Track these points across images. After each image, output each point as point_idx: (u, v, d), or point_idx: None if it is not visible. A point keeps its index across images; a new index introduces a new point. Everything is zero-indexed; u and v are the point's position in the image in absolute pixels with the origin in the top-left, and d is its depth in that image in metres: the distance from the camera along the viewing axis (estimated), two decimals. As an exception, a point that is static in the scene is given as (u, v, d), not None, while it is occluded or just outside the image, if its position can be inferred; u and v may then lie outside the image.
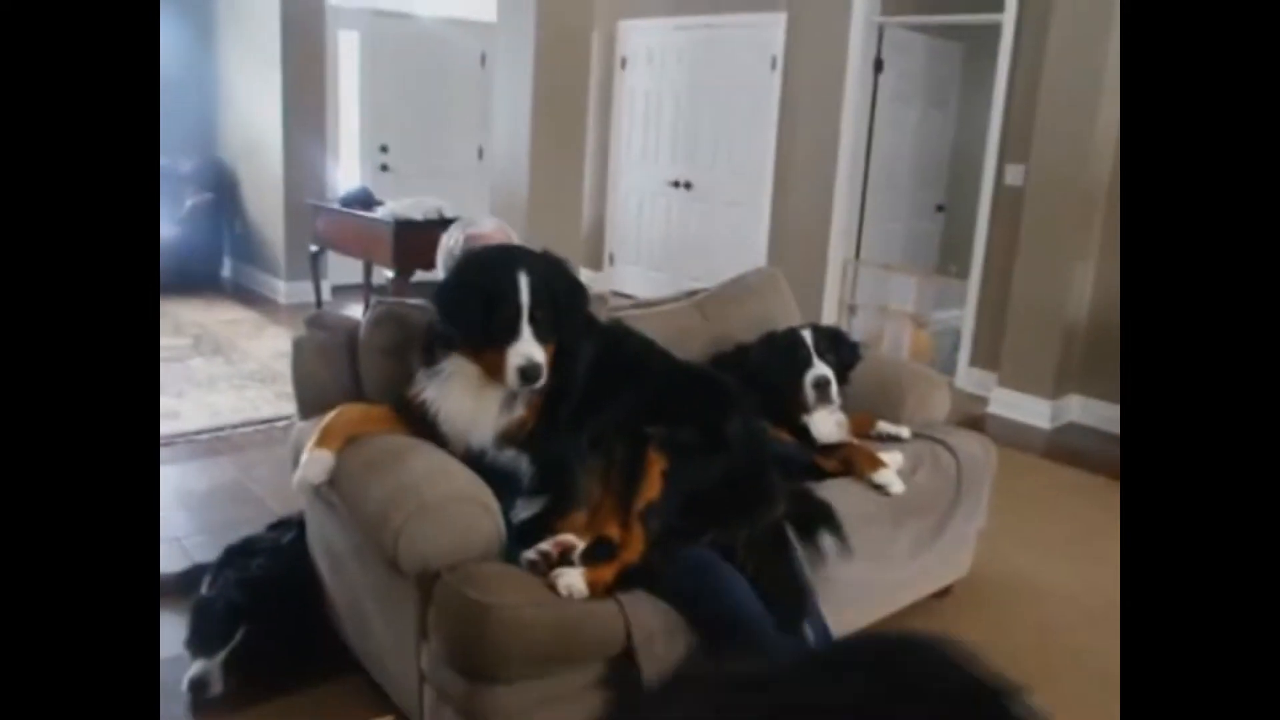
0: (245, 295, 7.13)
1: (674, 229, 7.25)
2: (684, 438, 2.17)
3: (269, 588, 2.54)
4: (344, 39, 7.16)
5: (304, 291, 6.69)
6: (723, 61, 6.69)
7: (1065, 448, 4.74)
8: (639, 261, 7.50)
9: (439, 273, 2.50)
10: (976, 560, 3.13)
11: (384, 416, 2.24)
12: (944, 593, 3.07)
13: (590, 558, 2.01)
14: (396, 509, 1.94)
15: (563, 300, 2.17)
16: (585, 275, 7.64)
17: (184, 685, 2.38)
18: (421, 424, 2.22)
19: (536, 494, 2.21)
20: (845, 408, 2.92)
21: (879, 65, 5.92)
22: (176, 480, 3.77)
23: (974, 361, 5.57)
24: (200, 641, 2.45)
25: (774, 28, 6.29)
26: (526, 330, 2.07)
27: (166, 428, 4.25)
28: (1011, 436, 4.70)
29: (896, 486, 2.61)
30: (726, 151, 6.77)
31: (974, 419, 5.08)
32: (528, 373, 2.04)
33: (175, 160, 7.31)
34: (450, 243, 2.53)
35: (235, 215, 7.43)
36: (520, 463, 2.19)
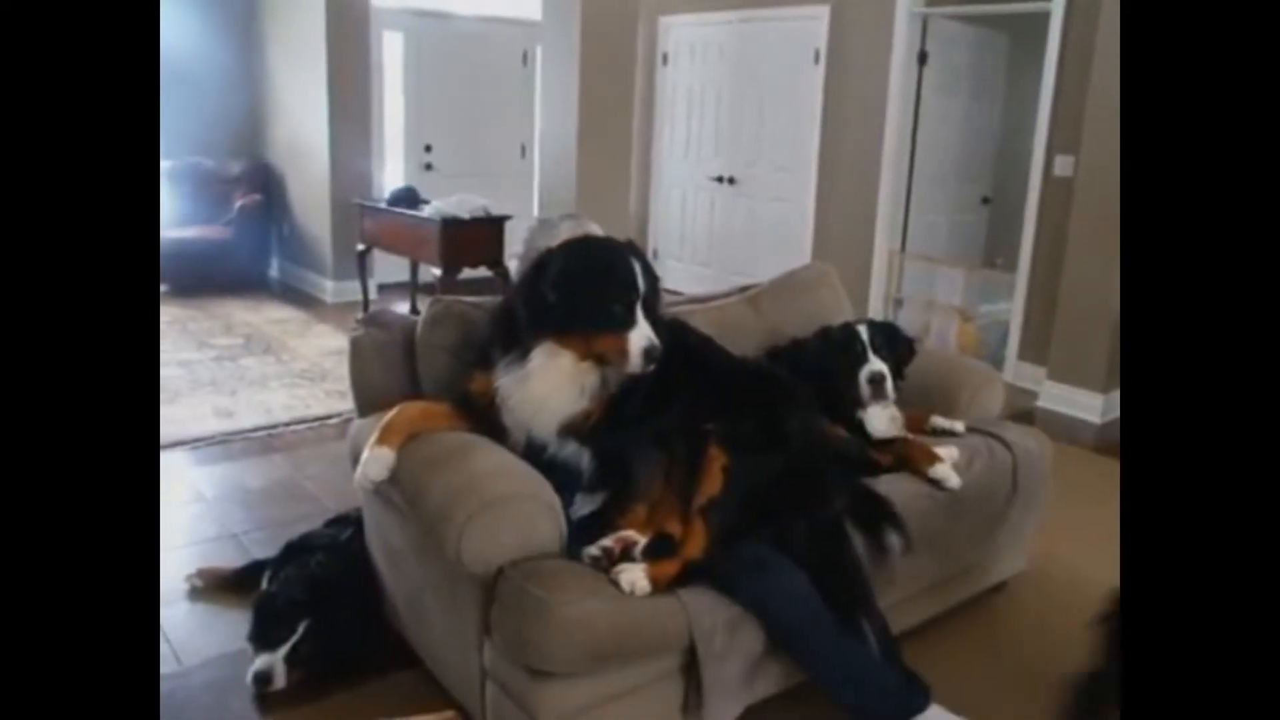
0: (293, 295, 7.23)
1: (718, 224, 7.23)
2: (744, 434, 2.17)
3: (329, 584, 2.58)
4: (388, 40, 7.23)
5: (351, 291, 6.77)
6: (765, 55, 6.66)
7: (1117, 442, 4.67)
8: (683, 258, 7.50)
9: (515, 270, 2.51)
10: (1032, 555, 3.10)
11: (444, 413, 2.26)
12: (1000, 587, 3.04)
13: (652, 553, 2.02)
14: (459, 507, 1.96)
15: (656, 291, 2.21)
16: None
17: (248, 679, 2.42)
18: (482, 419, 2.24)
19: (596, 490, 2.21)
20: (900, 402, 2.90)
21: (923, 57, 5.87)
22: (233, 477, 3.83)
23: (1023, 355, 5.51)
24: (263, 636, 2.49)
25: (817, 20, 6.26)
26: (641, 315, 2.11)
27: (222, 426, 4.32)
28: (1062, 430, 4.64)
29: (953, 481, 2.58)
30: (770, 146, 6.74)
31: (1023, 413, 5.03)
32: (652, 353, 2.08)
33: (223, 163, 7.44)
34: (533, 242, 2.49)
35: (283, 216, 7.53)
36: (581, 457, 2.20)
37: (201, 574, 2.97)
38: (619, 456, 2.17)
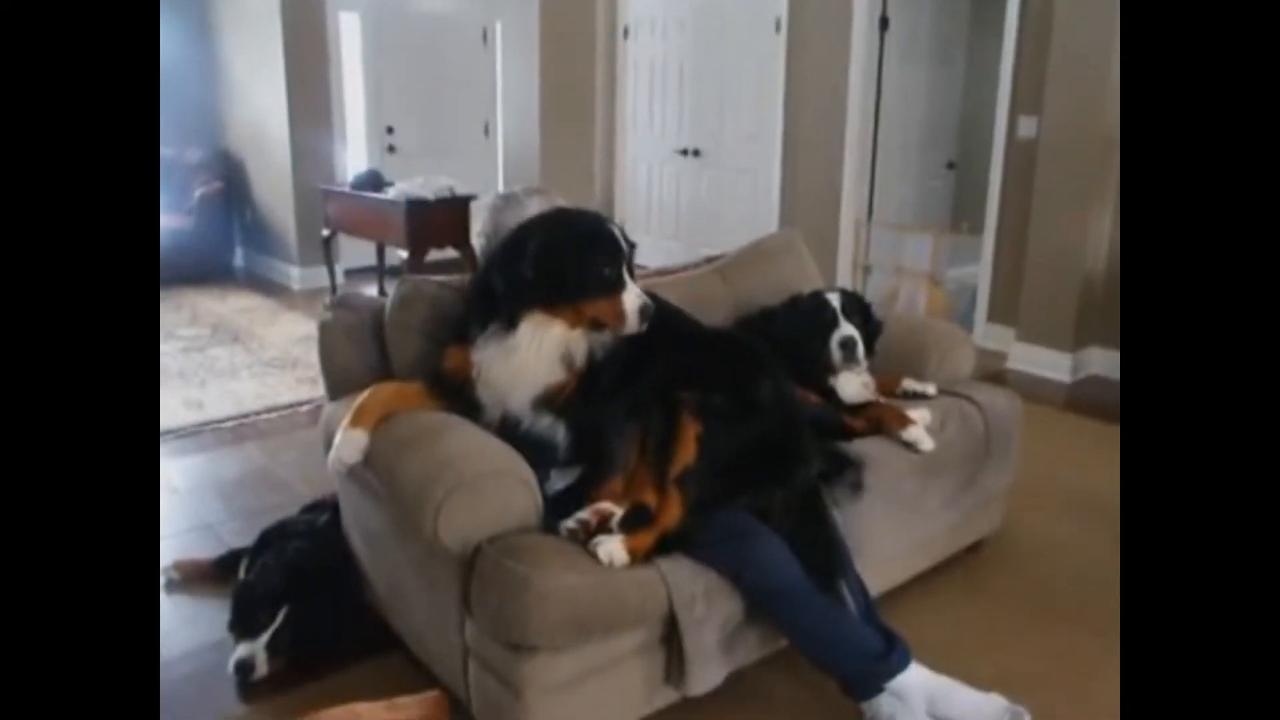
0: (259, 283, 7.15)
1: (684, 197, 7.22)
2: (717, 403, 2.17)
3: (307, 570, 2.57)
4: (345, 21, 7.12)
5: (317, 277, 6.71)
6: (727, 26, 6.63)
7: (1087, 400, 4.73)
8: (650, 231, 7.47)
9: (479, 247, 2.52)
10: (1006, 513, 3.13)
11: (416, 393, 2.25)
12: (976, 547, 3.08)
13: (628, 525, 2.02)
14: (435, 486, 1.95)
15: (631, 255, 2.25)
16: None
17: (230, 668, 2.41)
18: (457, 397, 2.23)
19: (571, 464, 2.22)
20: (871, 368, 2.92)
21: (884, 23, 5.86)
22: (206, 468, 3.80)
23: (991, 317, 5.55)
24: (243, 625, 2.48)
25: (777, -11, 6.23)
26: (629, 277, 2.16)
27: (192, 417, 4.28)
28: (1032, 391, 4.68)
29: (926, 443, 2.61)
30: (734, 117, 6.72)
31: (994, 375, 5.07)
32: (647, 311, 2.13)
33: (182, 151, 7.32)
34: (501, 219, 2.47)
35: (245, 204, 7.43)
36: (557, 431, 2.20)
37: (179, 566, 2.94)
38: (593, 429, 2.18)
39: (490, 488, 2.00)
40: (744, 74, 6.55)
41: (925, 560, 2.84)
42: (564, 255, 2.11)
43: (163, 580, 2.90)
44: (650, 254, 7.16)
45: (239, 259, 7.62)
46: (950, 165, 6.62)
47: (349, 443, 2.14)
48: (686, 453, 2.09)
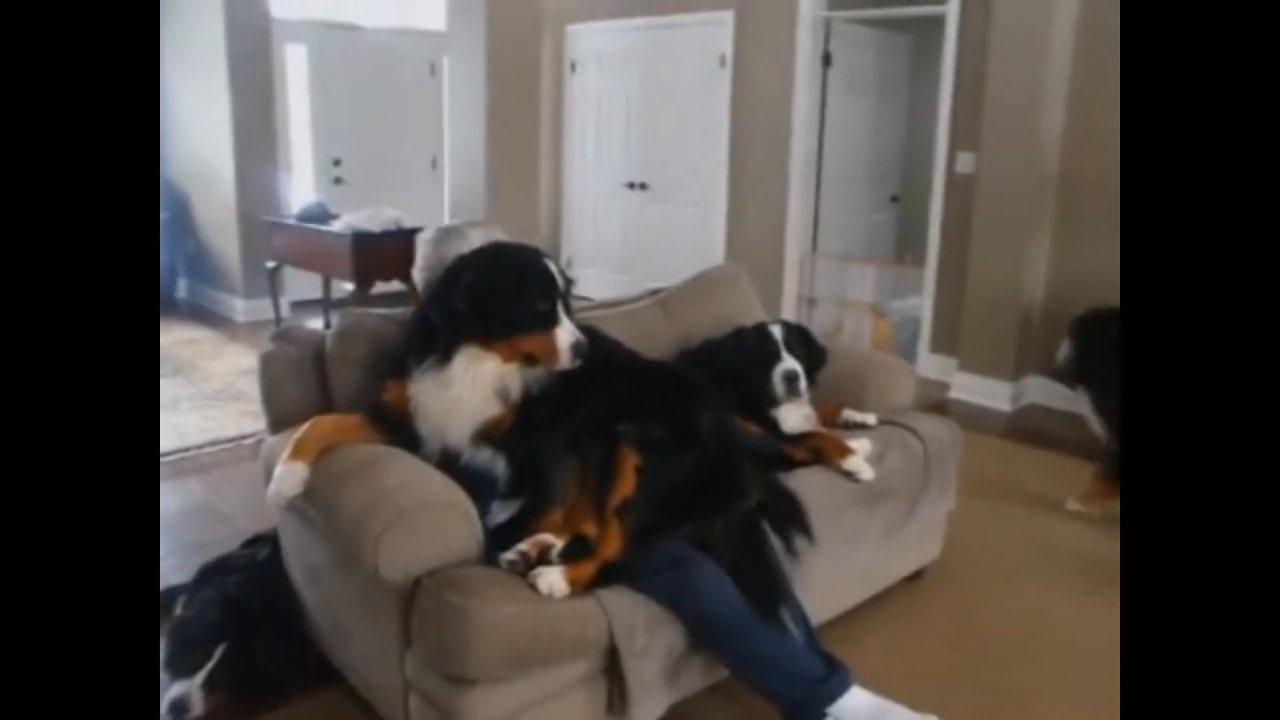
0: (202, 315, 7.05)
1: (631, 231, 7.28)
2: (656, 434, 2.19)
3: (246, 605, 2.53)
4: (292, 52, 7.10)
5: (262, 309, 6.63)
6: (673, 61, 6.74)
7: (1026, 429, 4.83)
8: (598, 265, 7.52)
9: (420, 281, 2.52)
10: (946, 543, 3.18)
11: (356, 425, 2.24)
12: (917, 576, 3.12)
13: (569, 556, 2.03)
14: (374, 519, 1.94)
15: (569, 291, 2.27)
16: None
17: (164, 707, 2.36)
18: (397, 429, 2.23)
19: (512, 496, 2.22)
20: (813, 399, 2.96)
21: (827, 59, 6.00)
22: (144, 504, 3.72)
23: (934, 348, 5.66)
24: (179, 663, 2.42)
25: (722, 25, 6.35)
26: (563, 314, 2.18)
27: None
28: (974, 420, 4.77)
29: (866, 473, 2.65)
30: (680, 151, 6.81)
31: (937, 405, 5.16)
32: (580, 348, 2.15)
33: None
34: (440, 252, 2.48)
35: (188, 234, 7.34)
36: (496, 464, 2.21)
37: (112, 604, 2.87)
38: (533, 462, 2.19)
39: (430, 520, 1.99)
40: (690, 109, 6.65)
41: (866, 589, 2.88)
42: (497, 289, 2.14)
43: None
44: (598, 288, 7.19)
45: (182, 291, 7.50)
46: (894, 199, 6.76)
47: (288, 475, 2.13)
48: (626, 484, 2.10)
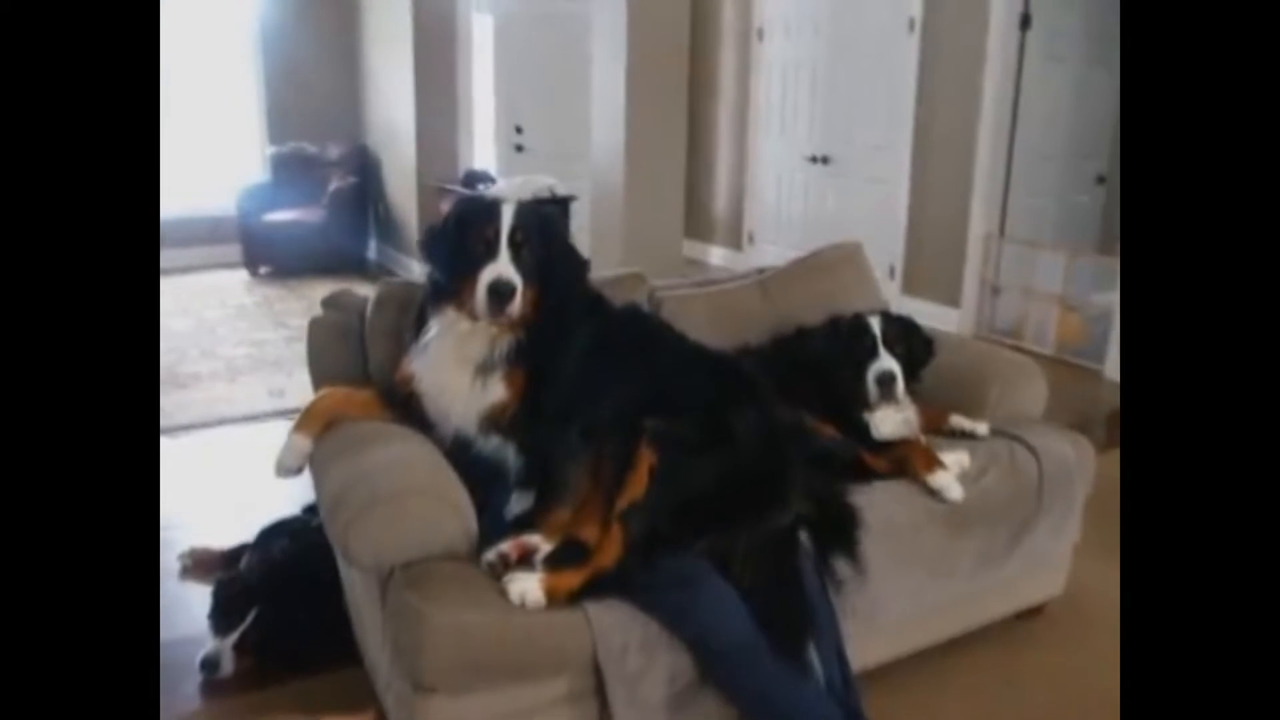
0: (387, 276, 7.32)
1: (812, 206, 6.88)
2: (682, 431, 1.94)
3: (287, 571, 2.51)
4: (480, 23, 7.18)
5: (438, 272, 6.78)
6: (860, 26, 6.27)
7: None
8: (778, 241, 7.17)
9: None
10: (1075, 577, 2.72)
11: (367, 401, 2.13)
12: (1034, 612, 2.69)
13: (555, 561, 1.83)
14: (348, 500, 1.82)
15: (555, 251, 2.05)
16: (725, 255, 7.46)
17: (196, 663, 2.37)
18: (407, 410, 2.10)
19: (528, 487, 2.04)
20: (920, 397, 2.60)
21: (1026, 20, 5.37)
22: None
23: (1129, 349, 4.97)
24: (216, 621, 2.45)
25: (913, -14, 5.82)
26: (505, 253, 1.95)
27: (271, 404, 4.36)
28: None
29: (953, 492, 2.27)
30: (864, 123, 6.34)
31: (1119, 413, 4.54)
32: (497, 289, 1.90)
33: (324, 147, 7.59)
34: None
35: (379, 198, 7.63)
36: (507, 452, 2.04)
37: (193, 553, 2.95)
38: (543, 452, 1.99)
39: (409, 507, 1.84)
40: (876, 78, 6.17)
41: (961, 622, 2.50)
42: (446, 235, 2.01)
43: (176, 566, 2.92)
44: (779, 263, 6.89)
45: (372, 252, 7.83)
46: (1100, 179, 5.99)
47: (290, 448, 2.05)
48: (635, 486, 1.88)
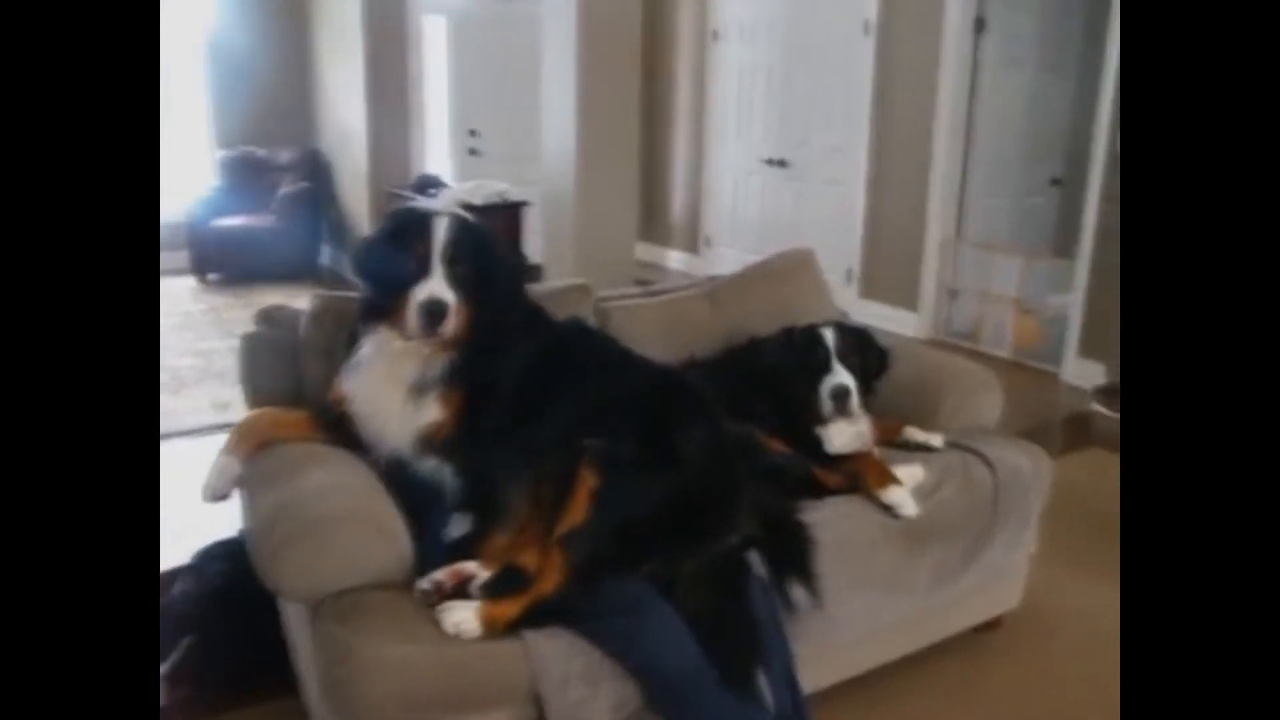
0: (341, 283, 7.17)
1: (769, 210, 6.85)
2: (626, 452, 1.87)
3: (223, 596, 2.40)
4: (432, 24, 7.07)
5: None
6: (815, 29, 6.24)
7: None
8: (736, 244, 7.13)
9: None
10: (1033, 588, 2.68)
11: (300, 422, 2.04)
12: (993, 625, 2.65)
13: (493, 590, 1.75)
14: (276, 528, 1.73)
15: (492, 267, 1.96)
16: (682, 259, 7.41)
17: (126, 696, 2.26)
18: (341, 430, 2.01)
19: (467, 510, 1.96)
20: (875, 408, 2.55)
21: (980, 24, 5.37)
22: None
23: (1084, 352, 4.97)
24: (146, 653, 2.33)
25: (868, -12, 5.80)
26: (438, 269, 1.87)
27: (215, 418, 4.23)
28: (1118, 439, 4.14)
29: (908, 508, 2.23)
30: (821, 127, 6.32)
31: (1078, 417, 4.55)
32: (430, 308, 1.83)
33: (274, 151, 7.44)
34: None
35: (331, 203, 7.49)
36: (444, 474, 1.95)
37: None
38: (482, 476, 1.92)
39: (339, 534, 1.76)
40: (832, 80, 6.15)
41: (920, 638, 2.45)
42: (376, 246, 1.94)
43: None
44: (735, 268, 6.84)
45: (324, 258, 7.68)
46: (1055, 181, 6.01)
47: (219, 471, 1.95)
48: (576, 510, 1.80)
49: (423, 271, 1.86)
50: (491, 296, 1.94)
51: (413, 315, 1.84)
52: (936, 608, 2.42)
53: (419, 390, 1.88)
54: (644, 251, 7.69)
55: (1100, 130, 4.77)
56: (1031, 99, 5.79)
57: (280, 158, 7.44)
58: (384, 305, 1.92)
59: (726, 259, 7.02)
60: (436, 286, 1.85)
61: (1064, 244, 5.93)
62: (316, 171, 7.46)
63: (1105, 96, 4.72)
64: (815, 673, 2.05)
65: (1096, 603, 2.83)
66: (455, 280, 1.88)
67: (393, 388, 1.90)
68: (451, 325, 1.86)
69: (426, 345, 1.90)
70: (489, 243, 1.99)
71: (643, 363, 2.13)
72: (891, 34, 5.70)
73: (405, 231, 1.92)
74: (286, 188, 7.21)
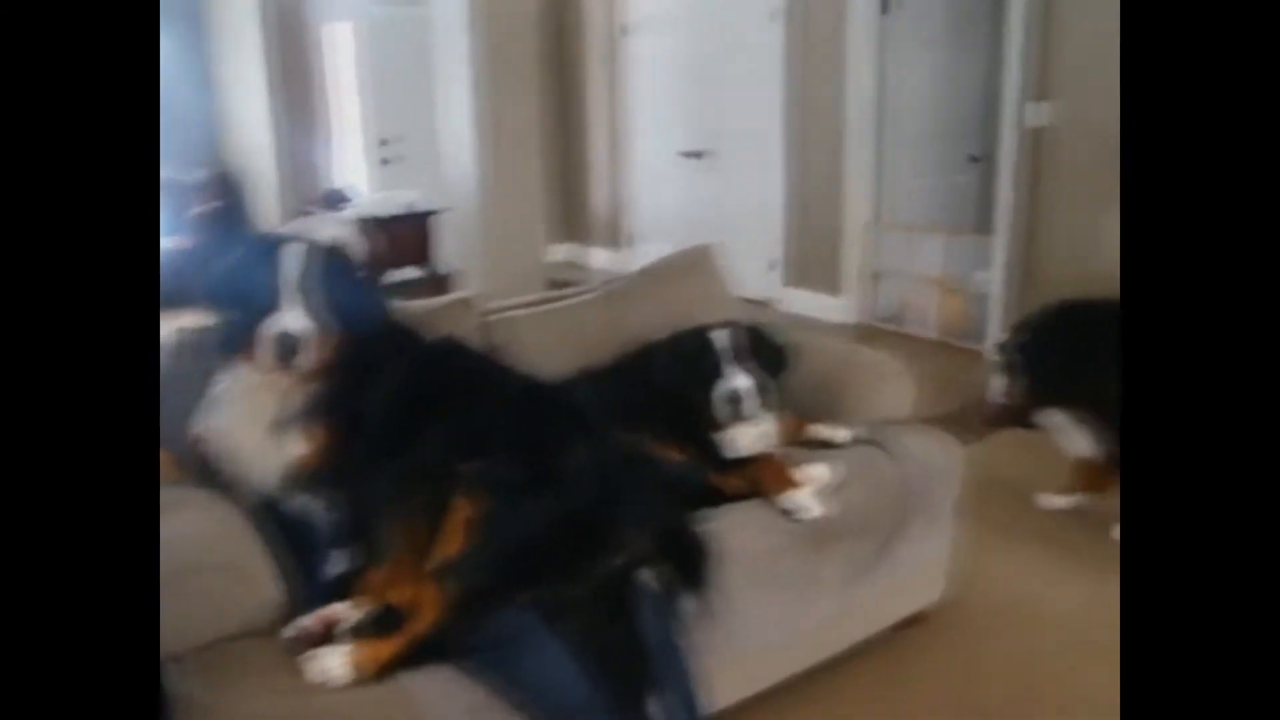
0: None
1: (691, 202, 6.78)
2: (502, 475, 1.78)
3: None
4: (338, 30, 6.89)
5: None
6: (724, 18, 6.19)
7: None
8: (659, 239, 7.05)
9: None
10: (956, 579, 2.63)
11: (161, 463, 1.91)
12: (915, 620, 2.60)
13: (363, 631, 1.65)
14: (127, 585, 1.61)
15: (350, 293, 1.88)
16: (606, 257, 7.32)
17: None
18: (204, 470, 1.89)
19: (346, 545, 1.86)
20: (782, 406, 2.47)
21: (885, 4, 5.34)
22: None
23: (1007, 328, 4.96)
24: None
25: (772, -25, 5.75)
26: (292, 300, 1.79)
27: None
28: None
29: (809, 510, 2.15)
30: (736, 116, 6.27)
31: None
32: (284, 341, 1.75)
33: (180, 171, 7.21)
34: None
35: (245, 222, 7.28)
36: (315, 510, 1.85)
37: None
38: (354, 508, 1.82)
39: (198, 585, 1.64)
40: (743, 69, 6.10)
41: (828, 647, 2.37)
42: (224, 276, 1.85)
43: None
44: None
45: (242, 279, 7.47)
46: (974, 159, 6.00)
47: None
48: (450, 540, 1.71)
49: (274, 303, 1.77)
50: (353, 324, 1.85)
51: (266, 349, 1.76)
52: (852, 608, 2.36)
53: (280, 425, 1.79)
54: (567, 251, 7.60)
55: (1008, 106, 4.76)
56: (946, 78, 5.77)
57: (187, 177, 7.21)
58: (237, 339, 1.82)
59: (652, 255, 6.93)
60: (289, 318, 1.77)
61: (986, 221, 5.94)
62: (229, 191, 7.24)
63: (1011, 71, 4.71)
64: (722, 689, 1.97)
65: (1020, 587, 2.80)
66: (311, 310, 1.80)
67: (252, 424, 1.81)
68: (308, 357, 1.77)
69: (285, 378, 1.80)
70: (346, 269, 1.90)
71: (520, 379, 2.04)
72: (798, 18, 5.65)
73: (253, 262, 1.82)
74: (199, 209, 6.99)
